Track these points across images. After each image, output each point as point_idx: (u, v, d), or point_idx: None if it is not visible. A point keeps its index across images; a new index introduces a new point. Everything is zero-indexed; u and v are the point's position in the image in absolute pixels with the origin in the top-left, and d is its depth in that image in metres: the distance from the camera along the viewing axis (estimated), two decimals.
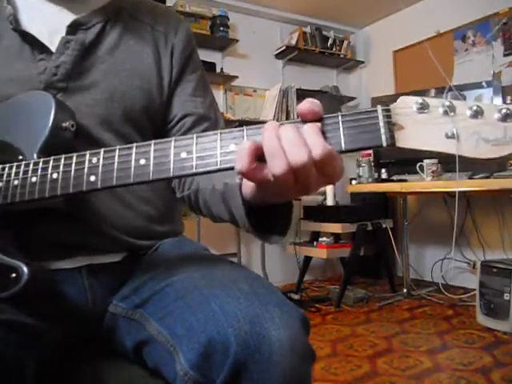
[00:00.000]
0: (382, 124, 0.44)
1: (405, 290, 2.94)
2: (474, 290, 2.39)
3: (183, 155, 0.49)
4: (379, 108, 0.45)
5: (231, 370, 0.49)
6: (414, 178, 2.58)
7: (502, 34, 2.94)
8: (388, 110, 0.45)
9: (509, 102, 0.43)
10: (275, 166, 0.44)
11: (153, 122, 0.76)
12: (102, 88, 0.70)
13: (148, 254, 0.75)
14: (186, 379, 0.51)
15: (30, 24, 0.70)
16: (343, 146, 0.45)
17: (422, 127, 0.44)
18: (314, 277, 3.60)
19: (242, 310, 0.52)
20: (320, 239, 3.01)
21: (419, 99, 0.44)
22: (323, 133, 0.45)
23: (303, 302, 2.80)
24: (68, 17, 0.71)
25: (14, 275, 0.56)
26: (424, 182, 2.43)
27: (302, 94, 3.57)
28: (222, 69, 3.29)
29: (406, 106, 0.45)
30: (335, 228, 2.91)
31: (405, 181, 2.63)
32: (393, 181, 2.74)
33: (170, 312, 0.58)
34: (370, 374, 1.79)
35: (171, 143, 0.50)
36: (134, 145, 0.52)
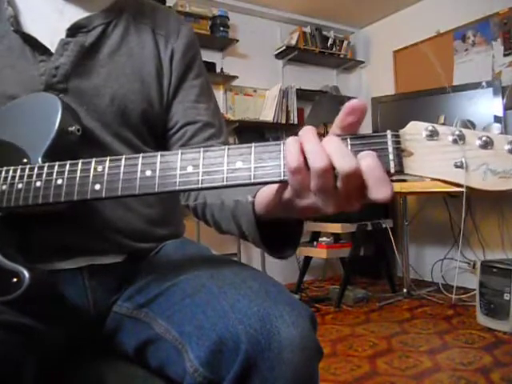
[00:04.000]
0: (390, 150, 0.43)
1: (405, 290, 2.94)
2: (474, 290, 2.39)
3: (189, 169, 0.48)
4: (389, 133, 0.43)
5: (241, 366, 0.49)
6: (414, 177, 2.57)
7: (501, 33, 2.94)
8: (397, 136, 0.43)
9: None
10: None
11: (152, 127, 0.75)
12: (103, 91, 0.69)
13: (151, 255, 0.75)
14: (196, 375, 0.51)
15: (31, 26, 0.70)
16: None
17: (431, 155, 0.42)
18: (314, 277, 3.60)
19: (253, 308, 0.52)
20: (320, 239, 3.01)
21: (429, 126, 0.43)
22: None
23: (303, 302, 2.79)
24: (69, 19, 0.70)
25: (15, 280, 0.55)
26: (424, 181, 2.43)
27: (301, 94, 3.58)
28: (222, 69, 3.29)
29: (416, 132, 0.43)
30: (335, 228, 2.91)
31: (405, 181, 2.62)
32: (392, 181, 2.71)
33: (177, 310, 0.58)
34: (370, 373, 1.79)
35: (178, 156, 0.49)
36: (141, 155, 0.51)
